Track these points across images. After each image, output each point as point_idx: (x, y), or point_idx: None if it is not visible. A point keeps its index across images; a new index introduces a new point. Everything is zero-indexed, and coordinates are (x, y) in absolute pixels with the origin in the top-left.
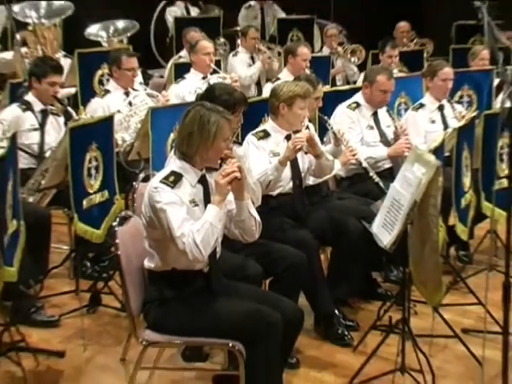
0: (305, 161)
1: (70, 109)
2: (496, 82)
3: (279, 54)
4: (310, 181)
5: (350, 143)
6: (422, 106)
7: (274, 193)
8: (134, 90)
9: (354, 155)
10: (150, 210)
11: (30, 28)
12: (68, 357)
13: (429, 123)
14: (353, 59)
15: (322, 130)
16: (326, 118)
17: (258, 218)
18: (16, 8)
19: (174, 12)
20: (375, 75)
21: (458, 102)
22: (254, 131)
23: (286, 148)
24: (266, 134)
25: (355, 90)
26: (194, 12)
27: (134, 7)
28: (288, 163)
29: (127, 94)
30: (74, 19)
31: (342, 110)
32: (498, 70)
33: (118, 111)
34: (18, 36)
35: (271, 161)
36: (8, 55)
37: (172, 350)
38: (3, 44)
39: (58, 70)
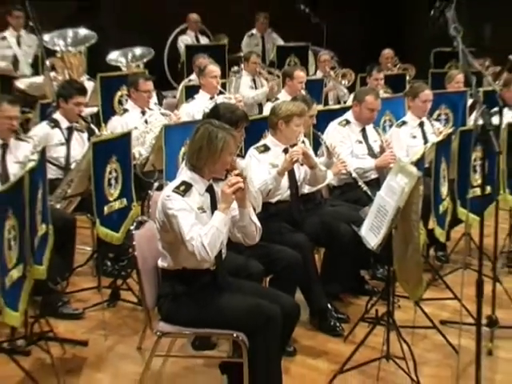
0: (301, 171)
1: (92, 126)
2: (469, 102)
3: (278, 76)
4: (306, 189)
5: (341, 156)
6: (404, 123)
7: (273, 200)
8: (149, 109)
9: (344, 167)
10: (163, 215)
11: (58, 55)
12: (91, 345)
13: (410, 138)
14: (343, 82)
15: (316, 144)
16: (319, 133)
17: (258, 223)
18: (46, 37)
19: (185, 40)
20: (364, 95)
21: (437, 120)
22: (255, 145)
23: (284, 160)
24: (266, 148)
25: (345, 109)
26: (203, 40)
27: (149, 36)
28: (286, 174)
29: (143, 112)
30: (97, 47)
31: (333, 126)
32: (471, 92)
33: (135, 128)
34: (47, 62)
35: (271, 172)
36: (39, 79)
37: (183, 339)
38: (35, 69)
39: (83, 91)
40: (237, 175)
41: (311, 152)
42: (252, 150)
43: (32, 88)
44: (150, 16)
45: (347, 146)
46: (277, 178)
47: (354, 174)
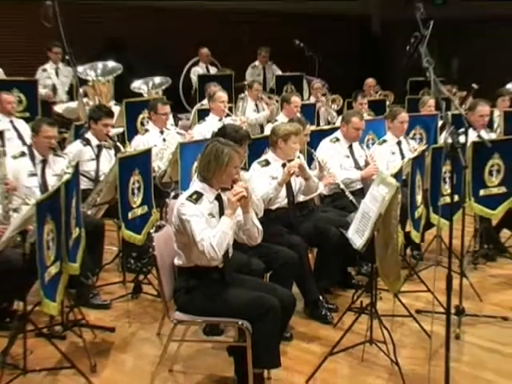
0: (297, 183)
1: (118, 144)
2: (440, 123)
3: (277, 101)
4: (301, 198)
5: (330, 170)
6: (384, 141)
7: (273, 207)
8: (167, 129)
9: (333, 179)
10: (178, 220)
11: (90, 83)
12: (117, 331)
13: (390, 154)
14: (333, 106)
15: (310, 159)
16: (312, 150)
17: (259, 226)
18: (80, 69)
19: (197, 71)
20: (350, 117)
21: (412, 139)
22: (258, 160)
23: (282, 173)
24: (267, 163)
25: (334, 129)
26: (213, 70)
27: (167, 67)
28: (284, 185)
29: (162, 132)
30: (123, 76)
31: (325, 143)
32: (441, 115)
33: (155, 145)
34: (81, 90)
35: (271, 183)
36: (74, 104)
37: (195, 326)
38: (70, 96)
39: (110, 114)
40: (241, 186)
41: (306, 166)
42: (255, 164)
43: (68, 112)
44: (167, 50)
45: (337, 160)
46: (277, 188)
47: (341, 186)
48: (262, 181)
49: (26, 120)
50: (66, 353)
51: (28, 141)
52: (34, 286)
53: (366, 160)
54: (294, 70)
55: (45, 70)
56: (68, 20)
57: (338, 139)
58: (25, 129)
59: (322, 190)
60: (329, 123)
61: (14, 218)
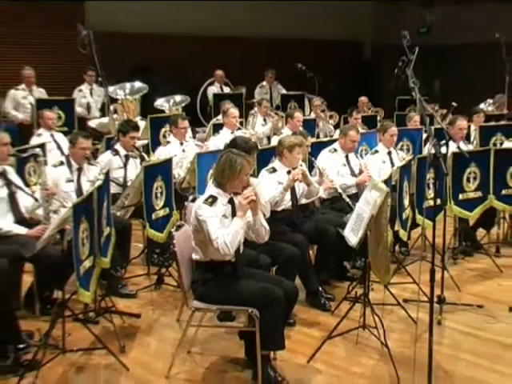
0: (300, 187)
1: (143, 154)
2: (424, 136)
3: (282, 117)
4: (303, 201)
5: (329, 176)
6: (376, 151)
7: (279, 209)
8: (186, 141)
9: (332, 184)
10: (195, 221)
11: (119, 101)
12: (142, 317)
13: (381, 163)
14: (330, 121)
15: (310, 166)
16: (313, 159)
17: (267, 226)
18: (110, 89)
19: (212, 90)
20: (348, 131)
21: (400, 149)
22: (266, 168)
23: (287, 179)
24: (274, 170)
25: (332, 141)
26: (226, 90)
27: (186, 87)
28: (288, 189)
29: (181, 144)
30: (148, 95)
31: (324, 153)
32: (425, 129)
33: (175, 155)
34: (111, 107)
35: (277, 188)
36: (105, 120)
37: (211, 313)
38: (102, 112)
39: (136, 128)
40: (251, 190)
41: (307, 173)
42: (263, 171)
43: (100, 126)
44: (186, 73)
45: (335, 168)
46: (283, 192)
47: (339, 190)
48: (270, 186)
49: (64, 133)
50: (98, 335)
51: (66, 151)
52: (71, 277)
53: (360, 168)
54: (296, 89)
55: (81, 91)
56: (100, 47)
57: (336, 150)
58: (63, 141)
59: (321, 194)
60: (327, 136)
61: (53, 219)
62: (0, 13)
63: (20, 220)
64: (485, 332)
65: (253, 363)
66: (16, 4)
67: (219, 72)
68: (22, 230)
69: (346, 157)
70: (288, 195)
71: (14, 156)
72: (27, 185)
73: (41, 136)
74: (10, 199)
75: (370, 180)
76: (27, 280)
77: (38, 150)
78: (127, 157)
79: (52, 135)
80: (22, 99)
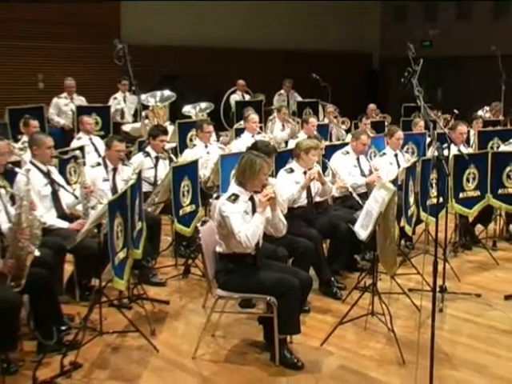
0: (315, 187)
1: (172, 155)
2: (428, 140)
3: (298, 122)
4: (317, 199)
5: (341, 176)
6: (384, 154)
7: (295, 206)
8: (210, 144)
9: (344, 184)
10: (219, 216)
11: (150, 108)
12: (171, 304)
13: (389, 165)
14: (343, 126)
15: (324, 167)
16: (326, 160)
17: (284, 221)
18: (143, 97)
19: (234, 98)
20: (360, 135)
21: (406, 152)
22: (284, 168)
23: (304, 179)
24: (291, 170)
25: (344, 145)
26: (247, 97)
27: (211, 95)
28: (305, 188)
29: (206, 146)
30: (176, 102)
31: (337, 155)
32: (429, 133)
33: (201, 157)
34: (143, 113)
35: (295, 187)
36: (138, 125)
37: (233, 301)
38: (135, 118)
39: (165, 132)
40: (270, 189)
41: (322, 173)
42: (282, 171)
43: (133, 131)
44: (211, 82)
45: (346, 169)
46: (300, 191)
47: (350, 189)
48: (287, 185)
49: (101, 137)
50: (131, 320)
51: (102, 153)
52: (107, 267)
53: (370, 169)
54: (311, 97)
55: (115, 98)
56: (133, 59)
57: (348, 152)
58: (100, 144)
59: (334, 192)
60: (339, 140)
61: (91, 214)
62: (45, 31)
63: (62, 215)
64: (482, 318)
65: (271, 346)
66: (60, 24)
67: (241, 81)
68: (63, 224)
69: (357, 159)
70: (304, 193)
71: (56, 157)
72: (68, 183)
73: (80, 139)
74: (54, 196)
75: (378, 180)
76: (68, 269)
77: (77, 152)
78: (157, 158)
79: (90, 139)
80: (64, 106)
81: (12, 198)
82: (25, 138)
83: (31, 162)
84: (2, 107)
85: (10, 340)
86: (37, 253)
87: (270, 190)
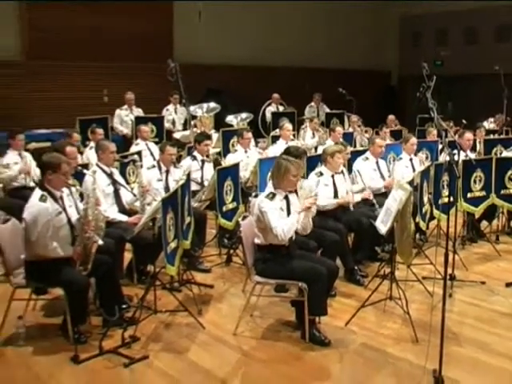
0: (343, 191)
1: (218, 159)
2: (440, 147)
3: (326, 131)
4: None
5: (364, 181)
6: (401, 158)
7: (324, 209)
8: (249, 149)
9: (369, 195)
10: (258, 212)
11: (198, 118)
12: (215, 288)
13: (405, 168)
14: (366, 134)
15: (351, 170)
16: (356, 171)
17: (311, 223)
18: (191, 108)
19: (270, 110)
20: (375, 139)
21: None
22: (314, 171)
23: (341, 199)
24: (321, 174)
25: (366, 150)
26: (281, 109)
27: (250, 107)
28: (332, 194)
29: (246, 151)
30: (220, 113)
31: (359, 161)
32: (441, 141)
33: (241, 160)
34: (192, 122)
35: (324, 189)
36: (187, 133)
37: (269, 286)
38: (184, 126)
39: (208, 137)
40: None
41: (347, 179)
42: (312, 175)
43: (183, 138)
44: (250, 95)
45: (367, 173)
46: (334, 204)
47: (373, 200)
48: (319, 189)
49: (156, 143)
50: (181, 301)
51: (157, 157)
52: (160, 255)
53: (389, 174)
54: (338, 108)
55: (168, 110)
56: (184, 75)
57: (367, 158)
58: (155, 149)
59: (358, 199)
60: (362, 146)
61: (147, 210)
62: (110, 53)
63: (122, 210)
64: (486, 303)
65: (301, 325)
66: (122, 46)
67: (275, 95)
68: (123, 218)
69: (377, 163)
70: (331, 193)
71: (118, 161)
72: (127, 183)
73: (138, 145)
74: (115, 194)
75: (394, 183)
76: (127, 256)
77: (136, 156)
78: (203, 161)
79: (146, 144)
80: (125, 117)
81: (81, 196)
82: (92, 144)
83: (97, 165)
84: (74, 118)
85: (81, 315)
86: (100, 242)
87: (313, 201)
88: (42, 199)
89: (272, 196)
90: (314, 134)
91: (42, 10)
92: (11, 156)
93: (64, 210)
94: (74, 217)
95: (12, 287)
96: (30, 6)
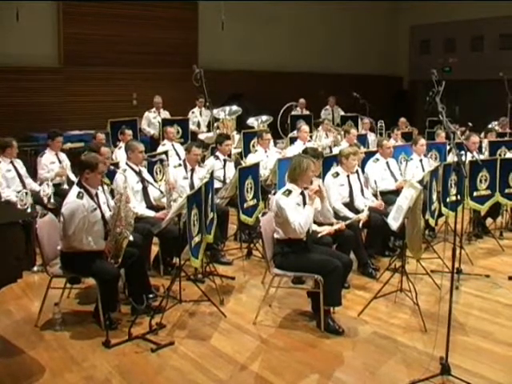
0: (356, 188)
1: (239, 158)
2: (448, 148)
3: (339, 131)
4: (357, 201)
5: (377, 183)
6: (411, 159)
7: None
8: (269, 150)
9: (381, 206)
10: (276, 208)
11: (221, 120)
12: (236, 279)
13: (415, 168)
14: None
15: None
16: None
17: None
18: (215, 111)
19: (294, 112)
20: (382, 142)
21: (429, 157)
22: (330, 172)
23: (346, 182)
24: (337, 174)
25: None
26: (306, 113)
27: (270, 109)
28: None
29: (266, 151)
30: (242, 115)
31: (370, 163)
32: (449, 143)
33: (261, 160)
34: (215, 124)
35: (340, 190)
36: (211, 134)
37: (287, 278)
38: (208, 128)
39: (229, 137)
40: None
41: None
42: (329, 176)
43: (207, 139)
44: (269, 99)
45: (378, 174)
46: (349, 217)
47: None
48: (334, 187)
49: (181, 144)
50: (204, 291)
51: (182, 157)
52: (185, 248)
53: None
54: (352, 112)
55: (193, 112)
56: (208, 80)
57: (378, 159)
58: (180, 149)
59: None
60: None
61: (173, 206)
62: (139, 59)
63: (150, 206)
64: (490, 295)
65: (317, 315)
66: (150, 53)
67: (302, 100)
68: (151, 214)
69: (387, 163)
70: (347, 192)
71: (146, 160)
72: (155, 181)
73: (165, 145)
74: (144, 191)
75: (404, 184)
76: (155, 249)
77: (163, 156)
78: (225, 161)
79: (173, 145)
80: (153, 119)
81: (111, 193)
82: (121, 144)
83: (126, 164)
84: (105, 120)
85: (111, 303)
86: (131, 238)
87: (315, 185)
88: (79, 196)
89: (288, 192)
90: (327, 134)
91: (78, 22)
92: (48, 156)
93: (99, 206)
94: (107, 213)
95: (49, 276)
96: (67, 18)
